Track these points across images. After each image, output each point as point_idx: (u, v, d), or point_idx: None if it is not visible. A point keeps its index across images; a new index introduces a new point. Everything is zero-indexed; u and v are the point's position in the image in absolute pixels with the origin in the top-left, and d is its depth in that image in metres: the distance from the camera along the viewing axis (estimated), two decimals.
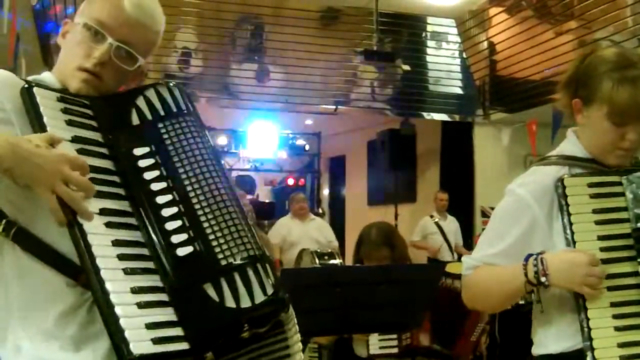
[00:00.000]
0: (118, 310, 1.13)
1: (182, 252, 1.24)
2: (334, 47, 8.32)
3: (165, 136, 1.36)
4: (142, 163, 1.32)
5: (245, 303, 1.22)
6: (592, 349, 1.59)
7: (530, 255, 1.69)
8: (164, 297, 1.20)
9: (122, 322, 1.13)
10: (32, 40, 6.17)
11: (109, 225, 1.22)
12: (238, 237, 1.28)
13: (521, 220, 1.75)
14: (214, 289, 1.22)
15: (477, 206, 8.99)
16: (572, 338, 1.69)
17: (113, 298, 1.14)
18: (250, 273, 1.26)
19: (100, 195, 1.24)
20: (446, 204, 8.23)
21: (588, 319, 1.61)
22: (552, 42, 7.56)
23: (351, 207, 11.98)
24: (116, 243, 1.21)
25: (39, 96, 1.28)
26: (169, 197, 1.29)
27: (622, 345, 1.60)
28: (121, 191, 1.28)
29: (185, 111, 1.41)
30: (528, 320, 1.87)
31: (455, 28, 8.82)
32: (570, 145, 1.83)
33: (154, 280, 1.21)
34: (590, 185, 1.70)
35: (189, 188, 1.31)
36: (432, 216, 8.24)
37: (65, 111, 1.30)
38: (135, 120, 1.38)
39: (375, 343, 3.22)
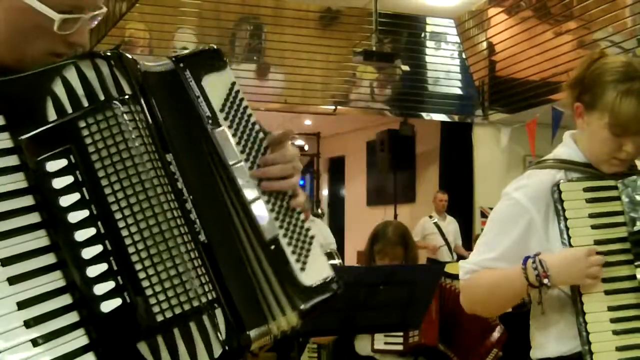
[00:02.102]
0: None
1: (107, 307, 0.97)
2: (333, 48, 8.33)
3: (89, 140, 0.99)
4: (57, 183, 0.98)
5: None
6: (591, 353, 1.60)
7: (528, 257, 1.70)
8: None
9: None
10: None
11: (13, 281, 0.94)
12: (181, 281, 1.00)
13: (518, 224, 1.75)
14: (149, 349, 0.97)
15: (476, 206, 9.00)
16: (571, 341, 1.69)
17: None
18: (194, 329, 1.00)
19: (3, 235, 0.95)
20: (446, 205, 8.24)
21: (586, 323, 1.62)
22: (551, 42, 7.57)
23: (350, 208, 11.98)
24: (22, 305, 0.94)
25: None
26: (91, 232, 0.98)
27: (620, 348, 1.61)
28: (35, 218, 0.98)
29: (121, 98, 1.02)
30: (528, 321, 1.87)
31: (455, 28, 8.82)
32: (567, 149, 1.83)
33: (79, 340, 0.96)
34: (586, 189, 1.70)
35: (118, 216, 0.99)
36: (431, 216, 8.25)
37: None
38: (51, 115, 1.00)
39: (381, 339, 3.24)
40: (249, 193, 1.12)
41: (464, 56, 8.92)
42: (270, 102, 8.34)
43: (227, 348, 1.02)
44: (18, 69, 1.03)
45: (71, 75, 1.02)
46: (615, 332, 1.61)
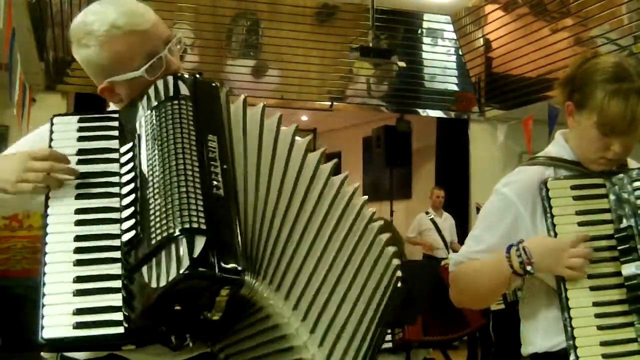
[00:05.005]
0: (46, 299, 1.23)
1: (126, 237, 1.30)
2: (329, 44, 8.33)
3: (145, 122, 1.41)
4: (123, 159, 1.41)
5: (162, 281, 1.20)
6: (575, 347, 1.62)
7: (512, 245, 1.71)
8: (115, 284, 1.26)
9: (44, 310, 1.21)
10: (28, 35, 6.15)
11: (78, 223, 1.32)
12: (172, 211, 1.26)
13: (505, 218, 1.77)
14: (147, 270, 1.23)
15: (472, 203, 9.01)
16: (557, 337, 1.71)
17: (46, 288, 1.24)
18: (173, 249, 1.22)
19: (86, 196, 1.35)
20: (442, 201, 8.24)
21: (571, 318, 1.64)
22: (548, 39, 7.57)
23: None
24: (78, 238, 1.31)
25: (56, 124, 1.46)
26: (131, 186, 1.35)
27: (604, 343, 1.62)
28: (115, 189, 1.37)
29: (174, 96, 1.42)
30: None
31: (451, 25, 8.82)
32: (558, 147, 1.86)
33: (109, 269, 1.28)
34: (574, 187, 1.72)
35: (147, 169, 1.34)
36: (427, 213, 8.26)
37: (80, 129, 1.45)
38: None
39: None
40: None
41: (460, 53, 8.92)
42: (266, 97, 8.34)
43: (196, 267, 1.19)
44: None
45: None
46: (600, 328, 1.63)
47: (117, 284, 1.26)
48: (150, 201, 1.29)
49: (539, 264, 1.68)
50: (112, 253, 1.29)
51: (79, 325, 1.21)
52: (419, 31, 8.86)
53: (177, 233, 1.23)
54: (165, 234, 1.23)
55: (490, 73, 8.79)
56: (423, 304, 3.45)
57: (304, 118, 10.57)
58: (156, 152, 1.34)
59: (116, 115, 1.47)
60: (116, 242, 1.30)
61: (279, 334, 1.35)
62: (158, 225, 1.25)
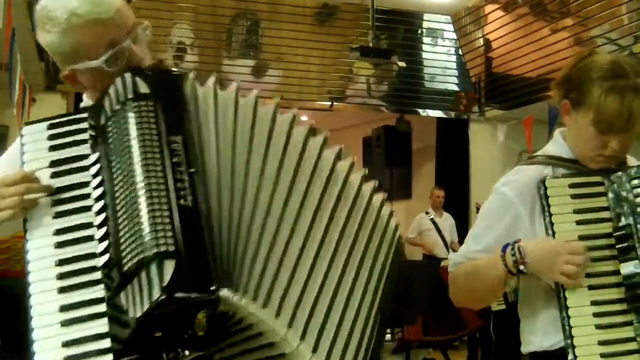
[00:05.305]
0: (35, 334, 1.21)
1: (103, 259, 1.25)
2: (329, 44, 8.33)
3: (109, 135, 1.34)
4: (93, 169, 1.35)
5: (138, 311, 1.16)
6: (573, 347, 1.61)
7: (508, 244, 1.71)
8: (99, 308, 1.22)
9: (35, 346, 1.20)
10: (27, 35, 6.16)
11: (59, 245, 1.28)
12: (140, 233, 1.20)
13: (504, 218, 1.77)
14: (125, 297, 1.19)
15: (472, 203, 9.00)
16: (555, 336, 1.71)
17: (34, 322, 1.21)
18: (144, 276, 1.18)
19: (63, 214, 1.31)
20: (442, 201, 8.23)
21: (569, 317, 1.63)
22: (548, 39, 7.57)
23: None
24: (59, 263, 1.26)
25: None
26: (101, 203, 1.30)
27: (602, 342, 1.62)
28: (89, 202, 1.31)
29: (144, 95, 1.34)
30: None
31: (451, 25, 8.83)
32: (556, 145, 1.85)
33: (93, 293, 1.24)
34: (572, 185, 1.71)
35: (114, 185, 1.28)
36: (427, 213, 8.25)
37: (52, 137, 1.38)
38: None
39: None
40: None
41: (460, 52, 8.92)
42: (266, 97, 8.29)
43: (169, 294, 1.15)
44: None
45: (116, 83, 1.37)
46: (598, 327, 1.63)
47: (102, 307, 1.23)
48: (120, 220, 1.24)
49: (533, 265, 1.67)
50: (94, 274, 1.25)
51: (69, 359, 1.19)
52: (419, 31, 8.86)
53: (146, 259, 1.18)
54: (135, 260, 1.19)
55: (490, 73, 8.79)
56: (423, 304, 3.45)
57: (304, 118, 10.51)
58: (119, 164, 1.28)
59: (85, 115, 1.41)
60: (97, 261, 1.26)
61: (267, 341, 1.29)
62: (128, 249, 1.20)
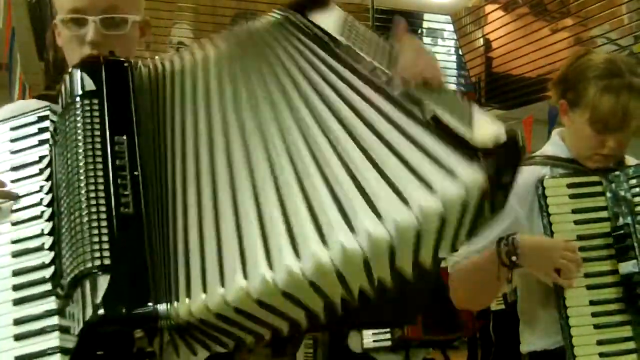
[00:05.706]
0: None
1: (50, 271, 1.20)
2: None
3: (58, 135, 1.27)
4: (45, 174, 1.29)
5: (76, 329, 1.10)
6: (572, 346, 1.62)
7: (502, 238, 1.70)
8: (51, 321, 1.17)
9: None
10: (27, 35, 6.17)
11: (15, 254, 1.24)
12: (79, 245, 1.13)
13: (503, 219, 1.76)
14: (68, 314, 1.15)
15: None
16: (554, 335, 1.72)
17: None
18: (79, 293, 1.11)
19: (20, 222, 1.26)
20: None
21: (568, 317, 1.64)
22: (548, 39, 7.56)
23: None
24: (15, 273, 1.22)
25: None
26: (50, 211, 1.24)
27: (601, 342, 1.63)
28: (46, 210, 1.25)
29: (96, 91, 1.26)
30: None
31: (451, 25, 8.82)
32: (554, 145, 1.86)
33: (45, 305, 1.19)
34: (570, 185, 1.72)
35: (60, 192, 1.22)
36: None
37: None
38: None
39: (370, 337, 3.26)
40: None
41: (460, 52, 8.92)
42: None
43: (105, 312, 1.07)
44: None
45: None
46: (597, 326, 1.63)
47: (53, 320, 1.17)
48: (63, 230, 1.19)
49: (526, 258, 1.65)
50: (46, 286, 1.20)
51: None
52: (419, 31, 8.86)
53: (82, 274, 1.11)
54: (73, 274, 1.13)
55: (490, 73, 8.79)
56: (423, 303, 3.44)
57: None
58: (64, 170, 1.22)
59: (47, 113, 1.34)
60: (49, 272, 1.21)
61: None
62: (69, 262, 1.15)
